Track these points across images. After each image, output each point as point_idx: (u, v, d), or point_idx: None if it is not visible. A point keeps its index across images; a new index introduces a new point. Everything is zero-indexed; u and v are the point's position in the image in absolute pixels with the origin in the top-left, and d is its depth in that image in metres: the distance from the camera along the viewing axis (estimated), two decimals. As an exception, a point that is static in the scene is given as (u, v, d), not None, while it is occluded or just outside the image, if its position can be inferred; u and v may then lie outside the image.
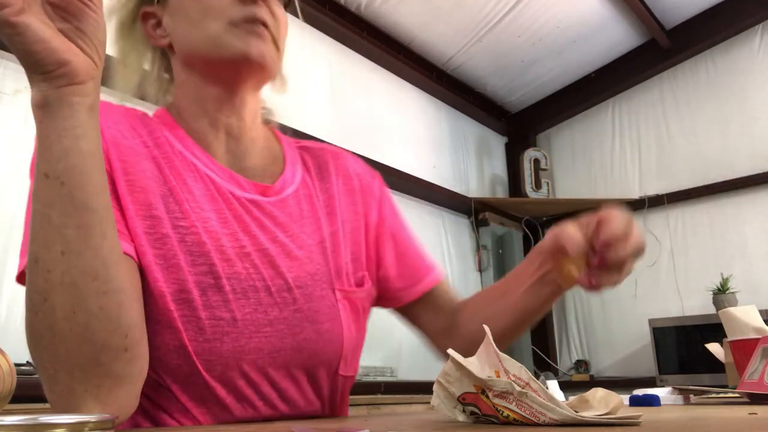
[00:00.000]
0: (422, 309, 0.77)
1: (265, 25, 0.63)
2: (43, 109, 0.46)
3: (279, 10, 0.66)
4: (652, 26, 3.00)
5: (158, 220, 0.59)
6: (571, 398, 0.52)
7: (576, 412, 0.43)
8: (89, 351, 0.47)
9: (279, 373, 0.62)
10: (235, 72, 0.65)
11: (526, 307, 0.71)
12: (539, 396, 0.43)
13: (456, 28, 2.89)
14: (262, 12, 0.63)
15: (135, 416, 0.59)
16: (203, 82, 0.66)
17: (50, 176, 0.47)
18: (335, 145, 0.82)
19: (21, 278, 0.54)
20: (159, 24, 0.68)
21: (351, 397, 0.77)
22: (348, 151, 0.84)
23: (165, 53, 0.71)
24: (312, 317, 0.64)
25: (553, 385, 1.06)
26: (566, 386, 2.01)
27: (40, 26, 0.44)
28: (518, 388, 0.43)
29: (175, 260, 0.59)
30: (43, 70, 0.45)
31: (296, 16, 0.77)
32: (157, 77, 0.73)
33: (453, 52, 3.04)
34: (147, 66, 0.73)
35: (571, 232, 0.60)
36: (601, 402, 0.48)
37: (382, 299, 0.77)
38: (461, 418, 0.49)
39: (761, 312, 1.17)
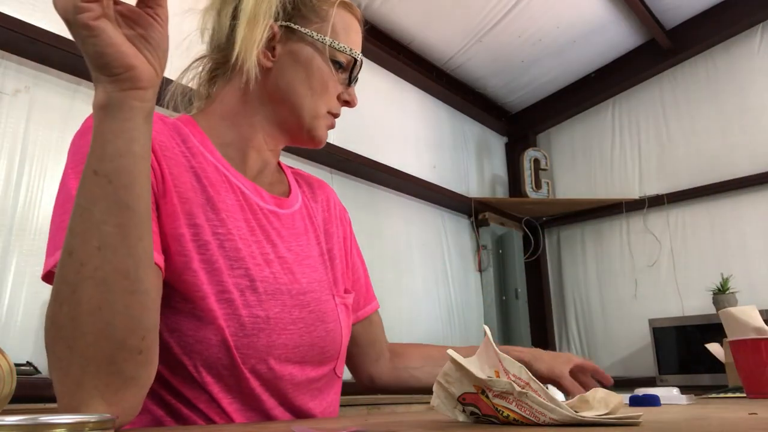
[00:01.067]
0: (358, 333, 0.88)
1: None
2: (104, 110, 0.49)
3: None
4: (652, 26, 2.99)
5: (200, 228, 0.65)
6: (571, 398, 0.53)
7: (576, 412, 0.43)
8: (107, 348, 0.48)
9: (295, 366, 0.69)
10: (302, 141, 0.78)
11: None
12: (539, 396, 0.43)
13: (456, 28, 2.89)
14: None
15: (156, 411, 0.63)
16: (271, 121, 0.76)
17: (99, 173, 0.49)
18: (314, 177, 0.93)
19: (47, 277, 0.56)
20: (273, 47, 0.74)
21: (351, 397, 0.82)
22: (322, 180, 0.94)
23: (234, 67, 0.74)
24: (321, 317, 0.72)
25: (552, 386, 1.06)
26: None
27: (114, 32, 0.47)
28: (518, 389, 0.43)
29: (216, 265, 0.64)
30: (111, 72, 0.48)
31: None
32: (202, 82, 0.78)
33: (453, 52, 3.04)
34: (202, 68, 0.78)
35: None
36: (601, 402, 0.48)
37: None
38: (461, 418, 0.49)
39: (761, 312, 1.17)
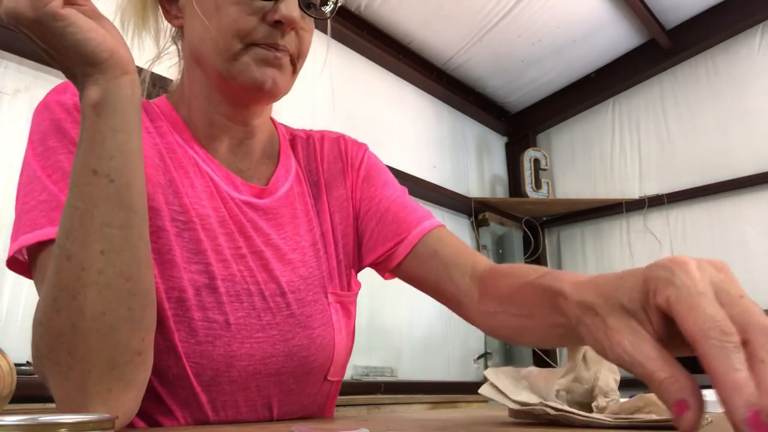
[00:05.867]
0: (417, 265, 0.68)
1: (286, 52, 0.60)
2: (100, 105, 0.45)
3: (305, 33, 0.62)
4: (652, 26, 2.99)
5: (155, 211, 0.57)
6: (632, 398, 0.53)
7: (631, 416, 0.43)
8: (109, 352, 0.46)
9: (268, 379, 0.61)
10: (243, 95, 0.62)
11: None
12: (575, 416, 0.44)
13: (456, 28, 2.89)
14: (287, 38, 0.60)
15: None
16: (211, 89, 0.63)
17: (99, 173, 0.46)
18: (322, 130, 0.79)
19: (12, 264, 0.53)
20: (174, 0, 0.64)
21: (351, 397, 0.77)
22: (333, 132, 0.80)
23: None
24: (304, 323, 0.63)
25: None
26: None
27: (84, 17, 0.43)
28: (552, 412, 0.44)
29: (170, 255, 0.57)
30: (98, 59, 0.44)
31: (325, 32, 0.74)
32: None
33: (453, 52, 3.04)
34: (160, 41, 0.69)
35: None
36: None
37: (378, 268, 0.73)
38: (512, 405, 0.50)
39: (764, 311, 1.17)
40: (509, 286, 0.56)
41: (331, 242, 0.70)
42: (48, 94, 0.58)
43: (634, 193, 3.29)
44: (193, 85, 0.65)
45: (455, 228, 3.20)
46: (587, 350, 0.60)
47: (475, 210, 3.23)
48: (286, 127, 0.77)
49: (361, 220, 0.72)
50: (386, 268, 0.72)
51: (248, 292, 0.60)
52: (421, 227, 0.69)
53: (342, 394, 0.74)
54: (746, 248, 2.91)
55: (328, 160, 0.74)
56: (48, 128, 0.55)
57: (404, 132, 2.99)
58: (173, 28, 0.68)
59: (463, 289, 0.64)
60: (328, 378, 0.66)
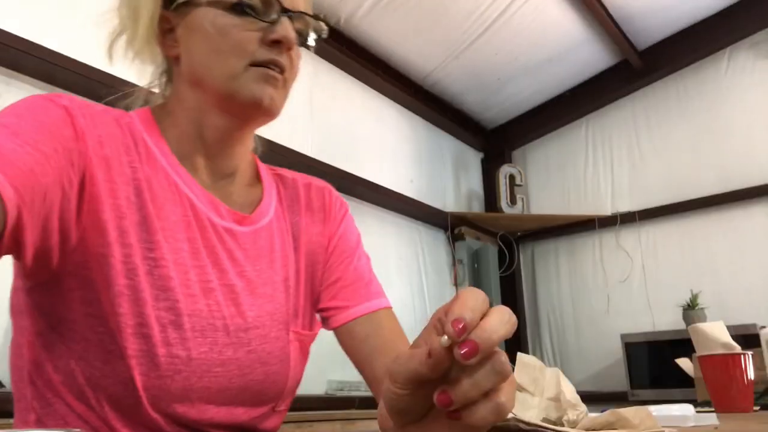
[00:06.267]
0: (347, 341, 0.71)
1: (282, 70, 0.63)
2: None
3: (297, 54, 0.66)
4: (624, 47, 3.07)
5: (132, 248, 0.58)
6: (603, 412, 0.53)
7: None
8: None
9: (220, 408, 0.62)
10: (242, 113, 0.64)
11: None
12: (549, 430, 0.44)
13: (434, 45, 2.92)
14: (284, 58, 0.63)
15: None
16: (207, 107, 0.65)
17: None
18: (307, 175, 0.82)
19: None
20: (171, 30, 0.66)
21: (325, 412, 0.77)
22: (320, 180, 0.82)
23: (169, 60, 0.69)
24: (263, 359, 0.64)
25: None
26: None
27: None
28: (525, 426, 0.45)
29: (141, 294, 0.58)
30: None
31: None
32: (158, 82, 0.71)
33: (431, 68, 3.07)
34: (156, 69, 0.70)
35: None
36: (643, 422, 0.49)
37: (322, 320, 0.76)
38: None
39: (729, 328, 1.20)
40: None
41: (301, 281, 0.71)
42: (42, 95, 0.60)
43: (606, 210, 3.34)
44: (184, 109, 0.66)
45: (432, 242, 3.21)
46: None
47: (451, 224, 3.25)
48: (268, 166, 0.79)
49: (326, 270, 0.75)
50: (326, 325, 0.74)
51: (213, 327, 0.61)
52: (366, 306, 0.72)
53: (316, 409, 0.76)
54: (715, 265, 2.97)
55: (312, 206, 0.76)
56: (30, 105, 0.56)
57: (382, 146, 3.00)
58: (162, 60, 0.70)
59: (379, 379, 0.67)
60: (276, 410, 0.68)
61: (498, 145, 3.71)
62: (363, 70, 2.83)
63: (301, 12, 0.65)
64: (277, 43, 0.62)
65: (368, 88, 2.95)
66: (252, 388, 0.63)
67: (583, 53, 3.13)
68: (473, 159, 3.73)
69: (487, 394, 0.36)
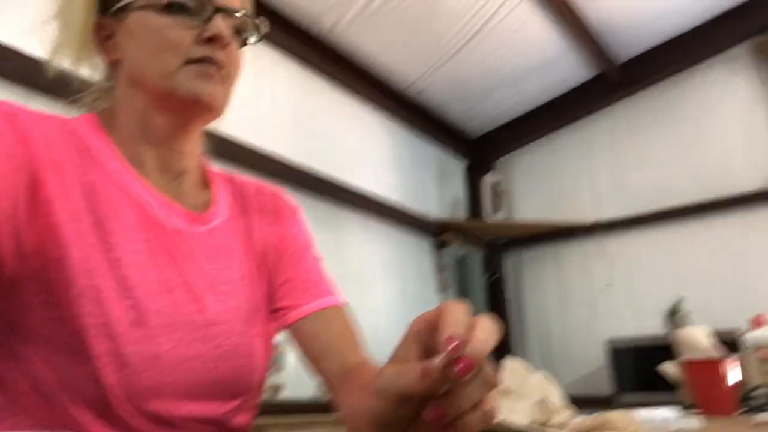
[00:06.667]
0: (300, 338, 0.72)
1: (220, 67, 0.64)
2: None
3: (236, 52, 0.68)
4: (603, 61, 3.12)
5: (90, 249, 0.59)
6: (590, 416, 0.53)
7: None
8: None
9: (193, 403, 0.62)
10: (183, 109, 0.65)
11: None
12: None
13: (418, 55, 2.94)
14: (220, 55, 0.64)
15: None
16: (150, 108, 0.66)
17: None
18: (258, 181, 0.82)
19: None
20: (110, 37, 0.67)
21: (314, 415, 0.76)
22: (271, 185, 0.83)
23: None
24: (231, 353, 0.65)
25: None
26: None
27: None
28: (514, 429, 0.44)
29: (103, 294, 0.58)
30: None
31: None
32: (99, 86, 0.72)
33: (415, 78, 3.09)
34: (96, 75, 0.71)
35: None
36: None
37: (277, 321, 0.75)
38: None
39: (712, 333, 1.21)
40: (364, 382, 0.59)
41: (259, 280, 0.72)
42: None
43: (589, 217, 3.38)
44: (129, 112, 0.67)
45: (416, 249, 3.22)
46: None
47: (435, 232, 3.26)
48: (220, 171, 0.79)
49: (277, 271, 0.75)
50: (280, 324, 0.75)
51: (178, 323, 0.62)
52: (315, 304, 0.72)
53: (305, 412, 0.76)
54: (697, 271, 3.01)
55: (264, 209, 0.77)
56: None
57: (367, 154, 3.01)
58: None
59: (332, 376, 0.68)
60: (246, 404, 0.68)
61: (482, 154, 3.73)
62: (347, 79, 2.84)
63: (234, 9, 0.66)
64: (212, 41, 0.63)
65: (352, 96, 2.95)
66: (222, 382, 0.64)
67: (563, 65, 3.17)
68: (457, 167, 3.74)
69: (475, 404, 0.38)
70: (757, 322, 1.29)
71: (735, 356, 1.16)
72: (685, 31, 3.08)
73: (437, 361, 0.37)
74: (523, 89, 3.31)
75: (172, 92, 0.63)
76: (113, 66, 0.69)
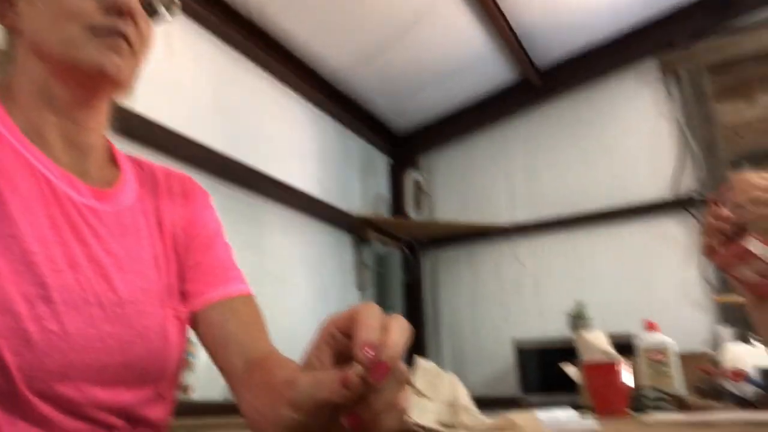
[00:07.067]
0: (204, 327, 0.70)
1: (126, 39, 0.63)
2: None
3: (144, 23, 0.66)
4: (525, 66, 3.23)
5: None
6: (495, 418, 0.54)
7: None
8: None
9: (103, 389, 0.59)
10: (87, 81, 0.63)
11: None
12: None
13: (349, 46, 2.92)
14: (126, 25, 0.62)
15: None
16: (52, 78, 0.63)
17: None
18: (166, 166, 0.80)
19: None
20: (11, 3, 0.64)
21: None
22: (179, 170, 0.81)
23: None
24: (142, 334, 0.63)
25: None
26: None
27: None
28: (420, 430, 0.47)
29: (1, 271, 0.55)
30: None
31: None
32: None
33: (344, 69, 3.06)
34: None
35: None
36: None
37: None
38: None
39: (609, 336, 1.27)
40: (270, 378, 0.58)
41: (170, 261, 0.71)
42: None
43: (504, 220, 3.49)
44: (27, 83, 0.64)
45: (337, 245, 3.19)
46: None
47: (357, 227, 3.25)
48: (126, 153, 0.77)
49: (187, 253, 0.73)
50: (190, 309, 0.72)
51: (86, 301, 0.59)
52: (222, 290, 0.71)
53: (215, 413, 0.73)
54: (599, 276, 3.18)
55: (173, 191, 0.76)
56: None
57: (289, 143, 2.94)
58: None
59: (236, 368, 0.66)
60: (161, 395, 0.66)
61: (406, 151, 3.76)
62: (273, 63, 2.75)
63: None
64: (118, 12, 0.61)
65: (279, 82, 2.88)
66: (134, 365, 0.62)
67: (489, 67, 3.25)
68: (382, 163, 3.75)
69: (390, 404, 0.39)
70: (650, 326, 1.37)
71: (629, 359, 1.22)
72: (600, 44, 3.24)
73: (356, 370, 0.37)
74: (449, 90, 3.36)
75: (77, 63, 0.61)
76: (13, 33, 0.65)
